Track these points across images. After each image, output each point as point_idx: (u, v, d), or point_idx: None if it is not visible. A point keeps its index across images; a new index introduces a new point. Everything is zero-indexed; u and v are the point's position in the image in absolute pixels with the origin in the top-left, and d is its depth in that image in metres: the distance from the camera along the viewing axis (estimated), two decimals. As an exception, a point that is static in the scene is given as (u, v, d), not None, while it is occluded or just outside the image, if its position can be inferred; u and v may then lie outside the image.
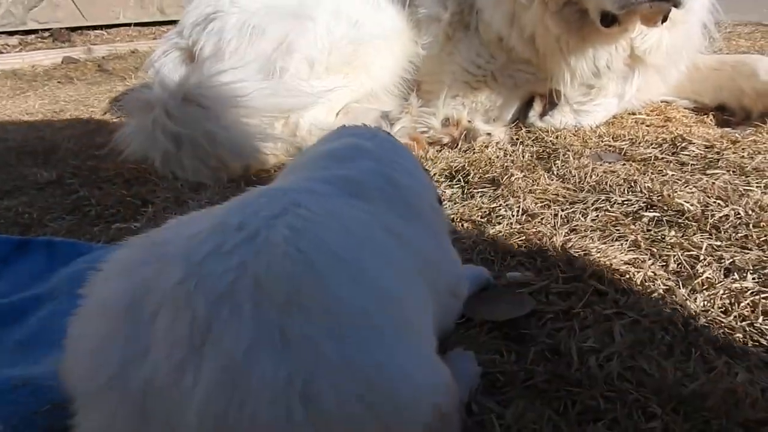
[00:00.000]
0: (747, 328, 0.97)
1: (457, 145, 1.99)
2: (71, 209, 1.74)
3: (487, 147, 1.98)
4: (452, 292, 0.92)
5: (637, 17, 1.85)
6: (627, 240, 1.28)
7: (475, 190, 1.65)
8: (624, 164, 1.75)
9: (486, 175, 1.73)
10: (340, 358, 0.53)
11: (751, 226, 1.30)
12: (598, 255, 1.20)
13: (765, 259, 1.18)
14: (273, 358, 0.52)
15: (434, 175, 1.76)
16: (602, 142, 1.98)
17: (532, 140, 2.04)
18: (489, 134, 2.03)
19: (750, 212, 1.36)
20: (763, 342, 0.94)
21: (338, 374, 0.52)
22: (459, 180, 1.72)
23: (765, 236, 1.26)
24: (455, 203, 1.58)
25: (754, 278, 1.11)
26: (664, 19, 1.84)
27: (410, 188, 0.87)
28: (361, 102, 2.28)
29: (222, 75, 2.06)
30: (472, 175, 1.74)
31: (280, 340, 0.53)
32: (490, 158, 1.87)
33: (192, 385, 0.52)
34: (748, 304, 1.03)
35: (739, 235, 1.28)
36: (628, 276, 1.13)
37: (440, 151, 1.98)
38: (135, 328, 0.57)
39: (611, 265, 1.17)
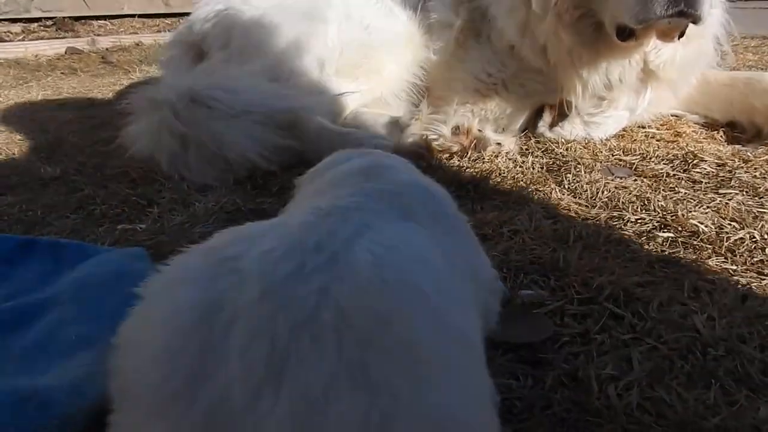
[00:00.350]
0: (767, 360, 0.96)
1: (467, 154, 1.97)
2: (76, 207, 1.72)
3: (496, 157, 1.97)
4: (491, 291, 0.92)
5: (653, 32, 1.84)
6: (642, 262, 1.27)
7: (485, 203, 1.63)
8: (635, 180, 1.74)
9: (496, 187, 1.72)
10: (417, 404, 0.51)
11: (767, 250, 1.29)
12: (614, 276, 1.18)
13: (781, 285, 1.17)
14: (352, 395, 0.50)
15: (443, 185, 1.74)
16: (613, 155, 1.96)
17: (542, 151, 2.03)
18: (499, 144, 2.01)
19: (765, 236, 1.35)
20: (784, 374, 0.93)
21: (414, 420, 0.51)
22: (469, 191, 1.70)
23: (782, 262, 1.25)
24: (465, 216, 1.56)
25: (772, 306, 1.10)
26: (681, 35, 1.82)
27: (443, 197, 0.91)
28: (370, 107, 2.26)
29: (231, 77, 2.05)
30: (482, 186, 1.72)
31: (361, 377, 0.51)
32: (500, 169, 1.85)
33: (267, 413, 0.50)
34: (766, 334, 1.02)
35: (755, 259, 1.27)
36: (644, 299, 1.12)
37: (450, 159, 1.96)
38: (207, 342, 0.54)
39: (627, 287, 1.15)
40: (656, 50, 1.95)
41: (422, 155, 1.88)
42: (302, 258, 0.59)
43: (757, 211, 1.48)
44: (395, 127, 2.08)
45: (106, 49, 4.78)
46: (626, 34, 1.81)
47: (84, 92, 3.46)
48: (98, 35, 5.31)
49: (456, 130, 2.01)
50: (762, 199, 1.56)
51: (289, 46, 2.25)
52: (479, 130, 2.03)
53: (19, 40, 5.01)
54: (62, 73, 4.09)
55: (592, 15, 1.88)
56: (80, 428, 0.88)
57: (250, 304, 0.56)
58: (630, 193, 1.62)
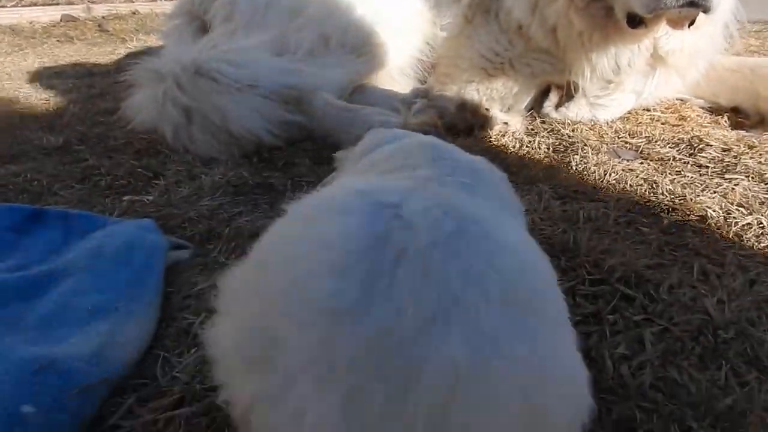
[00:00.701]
0: (776, 343, 0.97)
1: (474, 132, 1.97)
2: (81, 178, 1.71)
3: (503, 136, 1.97)
4: None
5: (663, 20, 1.83)
6: (651, 244, 1.28)
7: (493, 182, 1.63)
8: (642, 163, 1.75)
9: (504, 166, 1.70)
10: (560, 363, 0.61)
11: (774, 236, 1.31)
12: (624, 258, 1.19)
13: (789, 271, 1.18)
14: (515, 347, 0.56)
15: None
16: (618, 138, 1.97)
17: (548, 132, 2.03)
18: (506, 123, 2.01)
19: (773, 222, 1.36)
20: (792, 357, 0.95)
21: (559, 371, 0.60)
22: (477, 170, 1.70)
23: (788, 247, 1.27)
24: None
25: (779, 290, 1.12)
26: (692, 23, 1.81)
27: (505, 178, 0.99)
28: (377, 83, 2.25)
29: (236, 50, 2.02)
30: (490, 165, 1.72)
31: (524, 335, 0.57)
32: (507, 148, 1.85)
33: (436, 347, 0.53)
34: (775, 317, 1.04)
35: (762, 245, 1.28)
36: (655, 282, 1.13)
37: (456, 138, 1.95)
38: (376, 269, 0.58)
39: (638, 269, 1.16)
40: (666, 36, 1.94)
41: (429, 133, 1.87)
42: (462, 223, 0.64)
43: (764, 197, 1.49)
44: (402, 104, 2.06)
45: (102, 17, 4.70)
46: (636, 21, 1.80)
47: (81, 61, 3.41)
48: (93, 2, 5.21)
49: (462, 108, 2.00)
50: None
51: (294, 20, 2.23)
52: (486, 109, 2.02)
53: (12, 6, 4.92)
54: (58, 40, 4.03)
55: (604, -1, 1.87)
56: (99, 399, 0.89)
57: (420, 248, 0.60)
58: (637, 176, 1.62)
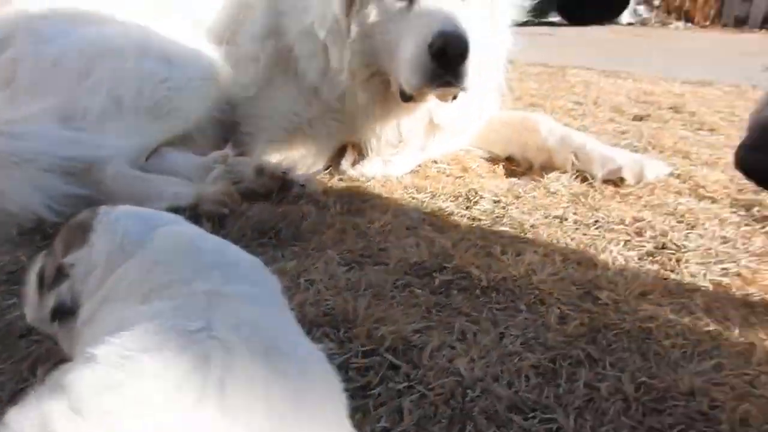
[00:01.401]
0: (513, 396, 1.12)
1: (272, 196, 2.02)
2: None
3: (300, 198, 2.04)
4: None
5: (431, 96, 2.09)
6: (421, 306, 1.41)
7: (285, 250, 1.70)
8: (424, 219, 1.92)
9: (297, 233, 1.79)
10: None
11: (522, 288, 1.50)
12: (395, 326, 1.30)
13: (529, 321, 1.37)
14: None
15: (243, 234, 1.77)
16: (407, 193, 2.14)
17: (343, 191, 2.15)
18: (303, 186, 2.09)
19: (523, 273, 1.56)
20: (524, 408, 1.10)
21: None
22: (270, 237, 1.76)
23: (533, 299, 1.46)
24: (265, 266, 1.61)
25: (521, 342, 1.29)
26: (455, 98, 2.08)
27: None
28: (176, 144, 2.22)
29: (15, 119, 1.91)
30: (283, 232, 1.78)
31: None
32: (302, 212, 1.92)
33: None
34: (514, 370, 1.19)
35: (515, 296, 1.47)
36: (420, 346, 1.25)
37: (253, 204, 1.98)
38: (205, 392, 0.64)
39: (406, 335, 1.28)
40: (438, 107, 2.23)
41: (225, 203, 1.89)
42: (267, 340, 0.75)
43: (520, 247, 1.71)
44: (199, 171, 2.06)
45: None
46: (407, 96, 2.08)
47: None
48: None
49: (261, 173, 2.05)
50: (527, 235, 1.81)
51: (83, 82, 2.13)
52: (284, 172, 2.08)
53: None
54: None
55: (384, 73, 2.07)
56: None
57: (243, 365, 0.68)
58: (418, 236, 1.78)
